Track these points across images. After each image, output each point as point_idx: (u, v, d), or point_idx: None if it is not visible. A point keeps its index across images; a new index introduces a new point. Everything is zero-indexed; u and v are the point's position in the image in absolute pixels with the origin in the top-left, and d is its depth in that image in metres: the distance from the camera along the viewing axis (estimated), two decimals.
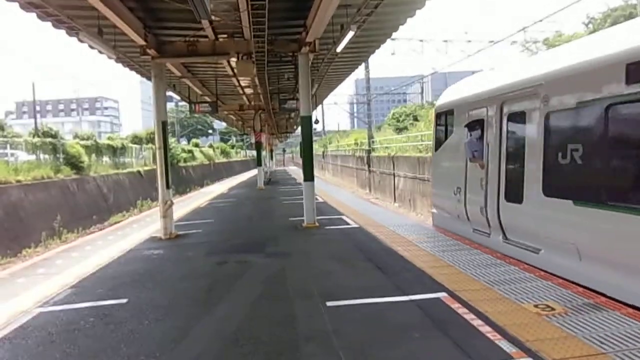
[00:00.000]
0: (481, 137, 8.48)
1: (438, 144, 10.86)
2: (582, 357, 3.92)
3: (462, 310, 5.16)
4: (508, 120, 7.82)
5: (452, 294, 5.72)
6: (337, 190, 24.88)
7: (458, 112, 9.63)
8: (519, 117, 7.52)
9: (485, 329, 4.62)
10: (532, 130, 7.08)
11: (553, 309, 5.05)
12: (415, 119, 38.17)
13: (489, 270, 6.76)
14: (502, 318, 4.87)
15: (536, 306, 5.18)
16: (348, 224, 11.89)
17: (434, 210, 11.13)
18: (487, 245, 8.27)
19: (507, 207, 7.70)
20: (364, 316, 5.24)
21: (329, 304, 5.60)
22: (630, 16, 27.04)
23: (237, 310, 5.68)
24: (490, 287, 5.96)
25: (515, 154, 7.62)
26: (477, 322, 4.80)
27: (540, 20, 28.33)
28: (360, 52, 15.88)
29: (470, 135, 8.69)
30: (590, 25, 37.60)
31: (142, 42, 10.31)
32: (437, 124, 10.97)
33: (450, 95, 10.57)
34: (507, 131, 7.86)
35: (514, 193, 7.48)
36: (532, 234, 7.02)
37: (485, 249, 8.14)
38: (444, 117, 10.49)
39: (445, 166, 10.46)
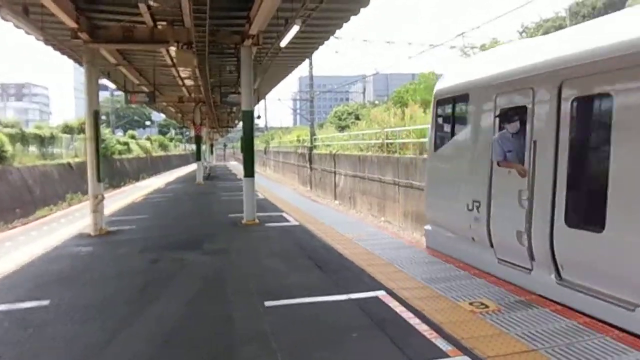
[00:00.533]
0: (521, 132, 6.21)
1: (440, 140, 8.41)
2: (515, 354, 4.03)
3: (399, 309, 5.19)
4: (574, 106, 5.44)
5: (390, 292, 5.75)
6: (278, 187, 24.73)
7: (477, 97, 7.25)
8: (598, 102, 5.28)
9: (422, 328, 4.66)
10: (629, 123, 4.74)
11: (487, 307, 5.19)
12: (357, 117, 38.63)
13: (426, 268, 6.88)
14: (439, 316, 4.94)
15: (471, 304, 5.30)
16: (288, 221, 11.78)
17: (429, 227, 8.67)
18: (523, 285, 5.98)
19: (570, 234, 5.35)
20: (304, 316, 5.16)
21: (267, 303, 5.47)
22: (560, 27, 28.67)
23: (171, 311, 5.42)
24: (427, 285, 6.05)
25: (590, 157, 5.50)
26: (414, 321, 4.84)
27: (478, 27, 29.53)
28: (305, 48, 15.77)
29: (502, 129, 6.51)
30: (524, 34, 39.67)
31: (74, 25, 9.64)
32: (437, 115, 8.50)
33: (460, 75, 8.09)
34: (573, 123, 5.47)
35: (587, 215, 5.29)
36: (622, 279, 4.80)
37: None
38: (451, 105, 8.07)
39: (453, 170, 7.94)
